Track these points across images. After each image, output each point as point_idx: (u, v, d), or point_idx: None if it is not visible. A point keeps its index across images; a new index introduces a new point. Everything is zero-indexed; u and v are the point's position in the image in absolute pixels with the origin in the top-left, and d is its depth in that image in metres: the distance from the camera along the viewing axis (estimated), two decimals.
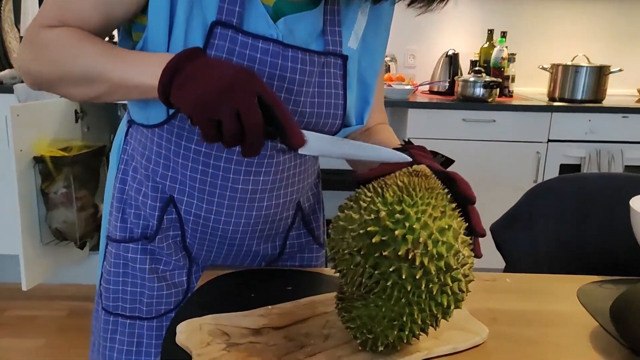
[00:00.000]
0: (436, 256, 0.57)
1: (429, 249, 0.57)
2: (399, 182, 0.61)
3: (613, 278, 0.92)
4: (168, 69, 0.63)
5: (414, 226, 0.57)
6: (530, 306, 0.81)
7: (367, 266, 0.58)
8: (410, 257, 0.56)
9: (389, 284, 0.57)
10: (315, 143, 0.68)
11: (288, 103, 0.78)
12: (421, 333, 0.62)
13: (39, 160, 2.13)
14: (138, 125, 0.85)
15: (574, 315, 0.78)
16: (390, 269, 0.57)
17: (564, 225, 1.19)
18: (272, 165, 0.82)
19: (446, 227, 0.58)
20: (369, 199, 0.60)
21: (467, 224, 0.64)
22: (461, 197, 0.65)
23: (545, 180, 1.24)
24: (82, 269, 2.63)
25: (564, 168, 2.62)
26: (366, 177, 0.68)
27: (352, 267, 0.59)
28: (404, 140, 0.77)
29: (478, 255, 0.65)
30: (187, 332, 0.68)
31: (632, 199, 0.91)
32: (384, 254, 0.57)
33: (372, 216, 0.58)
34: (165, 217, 0.86)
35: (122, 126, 0.93)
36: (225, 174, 0.81)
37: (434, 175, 0.64)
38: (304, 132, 0.67)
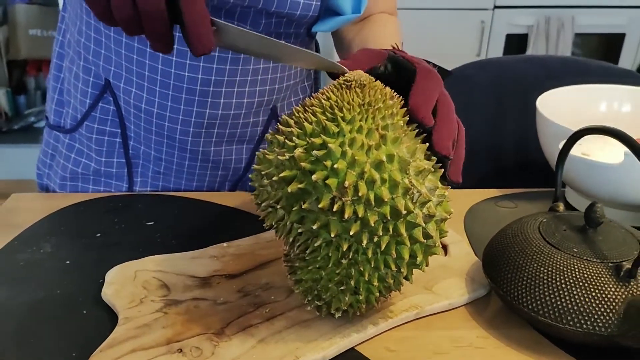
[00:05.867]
0: (374, 203, 0.41)
1: (360, 194, 0.41)
2: (323, 101, 0.44)
3: (513, 192, 0.77)
4: None
5: (336, 166, 0.41)
6: None
7: (290, 222, 0.44)
8: (336, 208, 0.41)
9: (317, 244, 0.44)
10: (230, 39, 0.48)
11: None
12: (390, 292, 0.49)
13: None
14: None
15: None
16: (315, 226, 0.42)
17: (478, 123, 1.02)
18: (229, 52, 0.67)
19: (384, 158, 0.42)
20: (288, 131, 0.44)
21: (427, 144, 0.46)
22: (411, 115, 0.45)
23: (461, 66, 1.04)
24: None
25: (510, 39, 2.41)
26: None
27: (278, 222, 0.46)
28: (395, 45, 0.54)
29: (453, 180, 0.47)
30: (118, 284, 0.54)
31: (540, 96, 0.73)
32: (303, 206, 0.42)
33: (287, 156, 0.43)
34: (100, 105, 0.74)
35: None
36: (166, 56, 0.67)
37: (376, 82, 0.45)
38: (222, 24, 0.47)
